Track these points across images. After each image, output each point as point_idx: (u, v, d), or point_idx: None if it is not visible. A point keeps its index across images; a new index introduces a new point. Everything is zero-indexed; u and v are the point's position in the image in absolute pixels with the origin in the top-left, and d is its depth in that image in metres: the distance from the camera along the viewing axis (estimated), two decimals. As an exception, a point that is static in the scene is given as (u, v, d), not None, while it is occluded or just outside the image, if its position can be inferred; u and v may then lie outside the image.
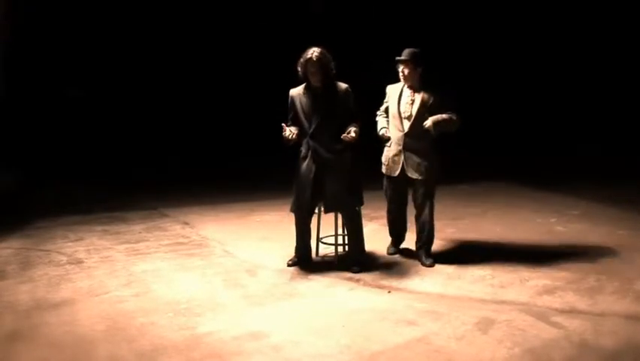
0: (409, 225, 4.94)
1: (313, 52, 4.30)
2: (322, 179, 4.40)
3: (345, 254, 4.75)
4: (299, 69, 4.38)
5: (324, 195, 4.45)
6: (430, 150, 4.57)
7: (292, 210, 4.60)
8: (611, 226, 5.69)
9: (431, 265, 4.55)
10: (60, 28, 9.76)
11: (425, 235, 4.67)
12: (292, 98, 4.51)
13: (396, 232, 4.97)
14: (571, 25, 11.02)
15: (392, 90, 4.68)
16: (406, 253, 4.93)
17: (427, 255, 4.66)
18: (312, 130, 4.40)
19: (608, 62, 10.91)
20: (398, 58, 4.49)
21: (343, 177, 4.42)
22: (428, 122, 4.42)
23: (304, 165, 4.44)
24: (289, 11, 10.57)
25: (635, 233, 5.46)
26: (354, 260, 4.59)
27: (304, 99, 4.44)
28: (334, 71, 4.39)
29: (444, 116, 4.45)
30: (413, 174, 4.56)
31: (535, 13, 11.29)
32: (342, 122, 4.40)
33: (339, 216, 4.68)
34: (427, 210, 4.63)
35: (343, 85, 4.46)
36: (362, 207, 4.62)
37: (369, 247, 5.02)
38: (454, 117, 4.48)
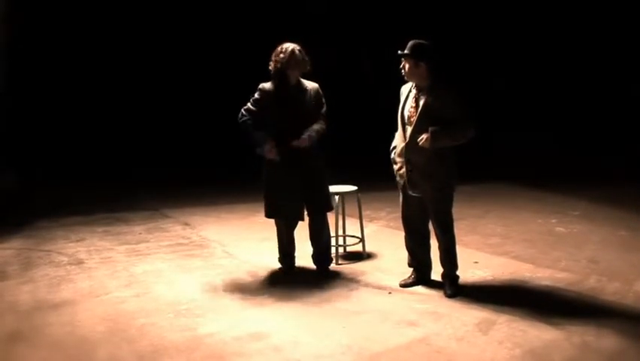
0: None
1: (295, 46, 4.12)
2: (309, 181, 4.24)
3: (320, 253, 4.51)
4: (279, 65, 4.09)
5: (313, 197, 4.28)
6: (439, 164, 3.83)
7: (276, 217, 4.36)
8: (611, 227, 5.68)
9: (451, 296, 3.90)
10: (59, 28, 9.77)
11: (445, 265, 4.05)
12: (265, 92, 4.17)
13: (416, 265, 4.21)
14: (578, 20, 10.99)
15: (403, 91, 4.01)
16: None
17: (449, 284, 4.01)
18: (293, 130, 4.13)
19: (609, 65, 10.90)
20: (399, 52, 3.85)
21: (322, 176, 4.32)
22: (423, 137, 3.73)
23: (285, 167, 4.15)
24: (288, 11, 10.56)
25: (635, 233, 5.45)
26: (326, 258, 4.50)
27: (279, 98, 4.15)
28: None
29: (444, 128, 3.71)
30: (416, 192, 3.92)
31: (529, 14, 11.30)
32: (315, 122, 4.23)
33: (333, 215, 4.62)
34: (442, 237, 4.01)
35: (314, 84, 4.29)
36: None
37: (368, 247, 5.03)
38: (459, 130, 3.77)
